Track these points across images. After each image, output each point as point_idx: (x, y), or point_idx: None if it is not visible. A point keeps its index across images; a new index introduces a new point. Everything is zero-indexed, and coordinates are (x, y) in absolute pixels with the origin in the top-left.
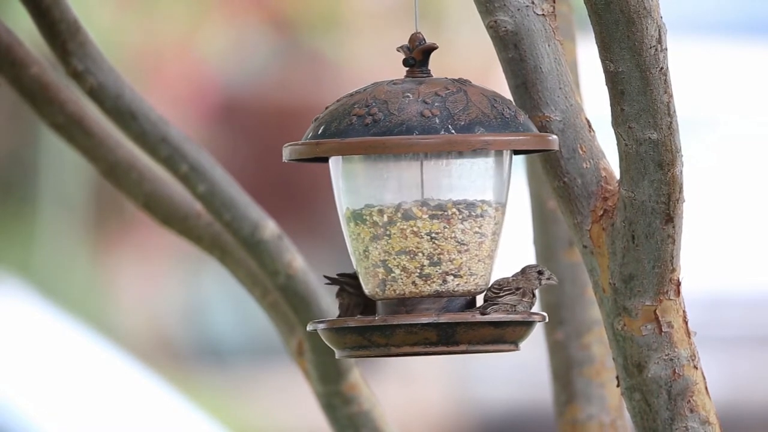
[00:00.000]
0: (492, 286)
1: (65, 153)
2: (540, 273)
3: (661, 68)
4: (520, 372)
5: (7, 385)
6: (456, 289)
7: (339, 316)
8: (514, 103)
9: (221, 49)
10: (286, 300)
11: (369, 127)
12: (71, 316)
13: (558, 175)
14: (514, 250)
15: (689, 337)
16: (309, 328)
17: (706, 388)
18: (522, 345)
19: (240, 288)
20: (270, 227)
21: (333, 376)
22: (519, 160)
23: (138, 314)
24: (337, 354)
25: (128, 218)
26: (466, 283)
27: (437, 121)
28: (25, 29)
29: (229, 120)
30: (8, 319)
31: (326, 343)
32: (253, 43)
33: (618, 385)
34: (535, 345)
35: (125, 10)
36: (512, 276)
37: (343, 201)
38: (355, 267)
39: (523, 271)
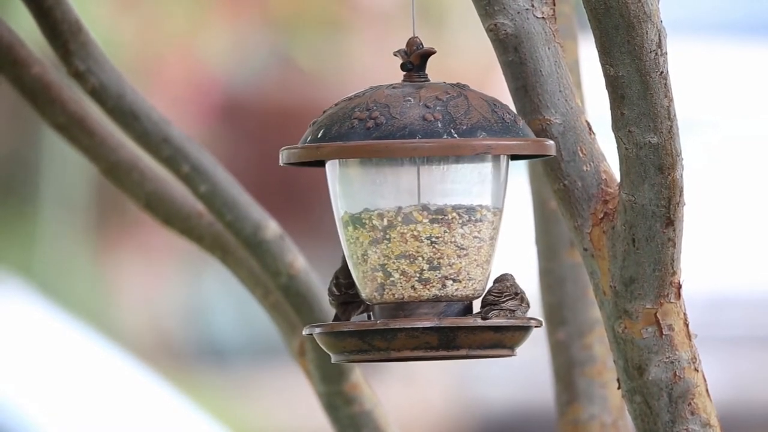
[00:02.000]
0: (490, 290)
1: (67, 153)
2: (514, 278)
3: (661, 72)
4: (522, 372)
5: (7, 385)
6: (454, 294)
7: (335, 317)
8: (511, 108)
9: (222, 50)
10: (287, 300)
11: (371, 130)
12: (72, 316)
13: (558, 178)
14: (515, 250)
15: (690, 340)
16: (305, 332)
17: (707, 391)
18: (523, 346)
19: (242, 288)
20: (272, 227)
21: (335, 376)
22: (520, 161)
23: (139, 314)
24: (333, 359)
25: (130, 218)
26: (464, 287)
27: (439, 125)
28: (27, 29)
29: (231, 120)
30: (9, 319)
31: (323, 347)
32: (254, 43)
33: (619, 388)
34: (536, 345)
35: (126, 10)
36: (495, 283)
37: (341, 205)
38: (351, 271)
39: (504, 278)
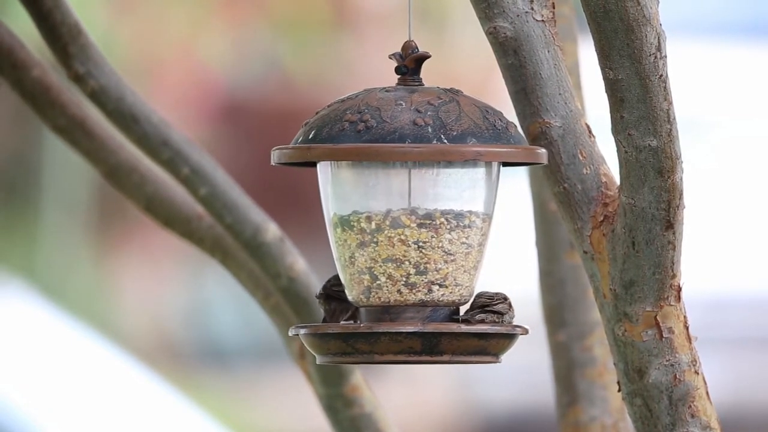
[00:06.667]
0: (479, 294)
1: (68, 155)
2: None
3: (661, 75)
4: (522, 374)
5: (9, 386)
6: (441, 299)
7: (324, 321)
8: (504, 115)
9: (223, 52)
10: (287, 302)
11: (361, 133)
12: (74, 318)
13: (558, 181)
14: (516, 252)
15: (690, 343)
16: (291, 332)
17: (707, 393)
18: (524, 346)
19: (242, 290)
20: (271, 230)
21: (335, 379)
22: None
23: (140, 316)
24: (319, 360)
25: (131, 220)
26: (451, 293)
27: (430, 130)
28: (27, 32)
29: (231, 123)
30: (11, 321)
31: (308, 348)
32: (255, 45)
33: (619, 390)
34: (537, 347)
35: (126, 12)
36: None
37: (331, 206)
38: (339, 273)
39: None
